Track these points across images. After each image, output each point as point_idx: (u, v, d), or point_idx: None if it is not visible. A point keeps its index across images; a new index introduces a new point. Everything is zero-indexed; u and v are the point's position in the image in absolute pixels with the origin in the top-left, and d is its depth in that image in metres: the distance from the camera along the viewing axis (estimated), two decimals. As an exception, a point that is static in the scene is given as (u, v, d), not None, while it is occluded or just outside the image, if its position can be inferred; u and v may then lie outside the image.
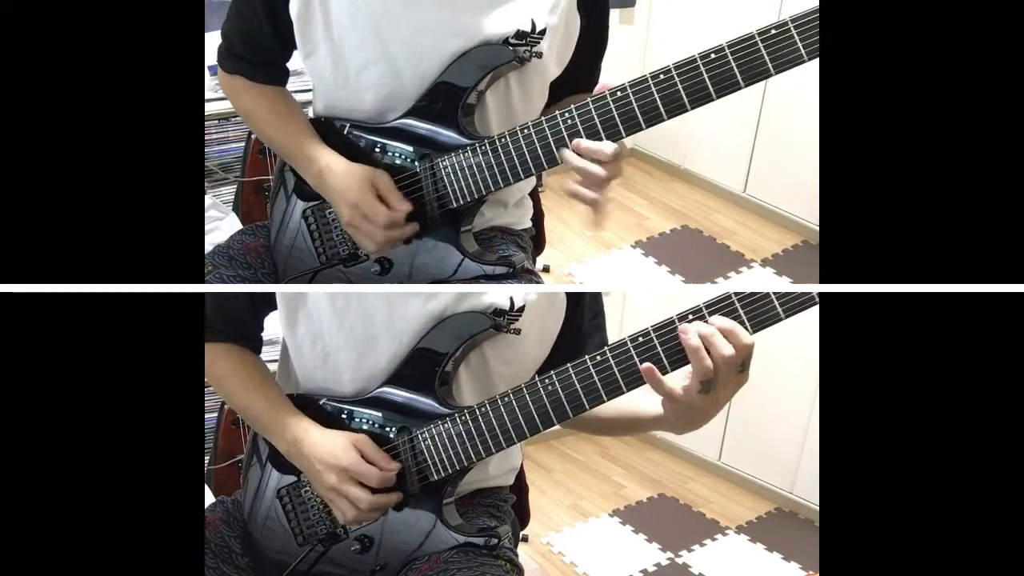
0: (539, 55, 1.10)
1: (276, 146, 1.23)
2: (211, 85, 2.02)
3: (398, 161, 1.15)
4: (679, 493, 2.94)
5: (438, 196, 1.13)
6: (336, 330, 1.11)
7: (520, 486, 1.30)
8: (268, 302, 1.19)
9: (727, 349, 0.94)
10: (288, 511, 1.16)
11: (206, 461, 1.97)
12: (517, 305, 1.08)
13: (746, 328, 0.96)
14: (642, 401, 1.09)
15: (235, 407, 1.23)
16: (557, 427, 1.05)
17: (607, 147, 1.03)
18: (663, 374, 0.98)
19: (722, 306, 0.96)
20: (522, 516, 1.31)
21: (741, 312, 0.96)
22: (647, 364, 0.97)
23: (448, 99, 1.11)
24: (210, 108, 2.02)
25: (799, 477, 2.79)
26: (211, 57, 2.00)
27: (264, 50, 1.20)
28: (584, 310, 1.17)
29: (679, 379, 0.98)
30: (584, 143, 1.04)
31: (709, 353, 0.95)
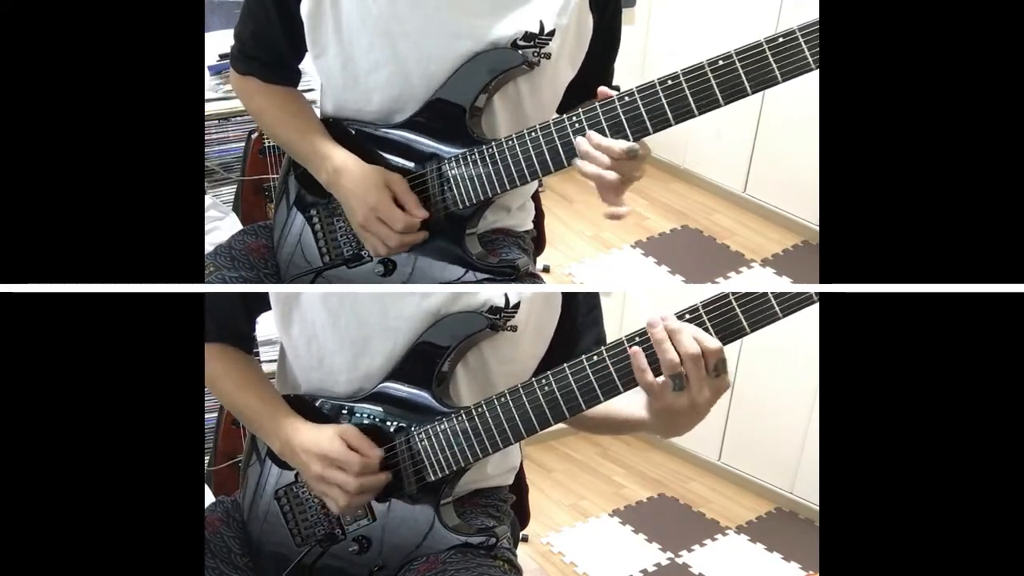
0: (547, 56, 1.10)
1: (288, 146, 1.23)
2: (211, 85, 2.02)
3: (403, 165, 1.15)
4: (679, 493, 2.94)
5: (444, 198, 1.14)
6: (330, 331, 1.11)
7: (520, 486, 1.30)
8: (262, 303, 1.19)
9: (692, 347, 0.95)
10: (286, 512, 1.16)
11: (206, 461, 1.97)
12: (512, 302, 1.08)
13: (743, 327, 0.96)
14: (625, 403, 1.10)
15: (229, 407, 1.24)
16: (557, 427, 1.05)
17: (616, 145, 1.03)
18: (658, 375, 0.99)
19: (719, 305, 0.96)
20: (522, 516, 1.31)
21: (738, 311, 0.96)
22: (635, 347, 0.98)
23: (448, 116, 1.12)
24: (210, 108, 2.02)
25: (799, 477, 2.79)
26: (211, 57, 2.01)
27: (276, 50, 1.20)
28: (579, 304, 1.18)
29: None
30: (595, 136, 1.04)
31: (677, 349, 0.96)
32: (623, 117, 1.03)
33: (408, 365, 1.10)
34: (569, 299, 1.16)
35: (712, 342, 0.96)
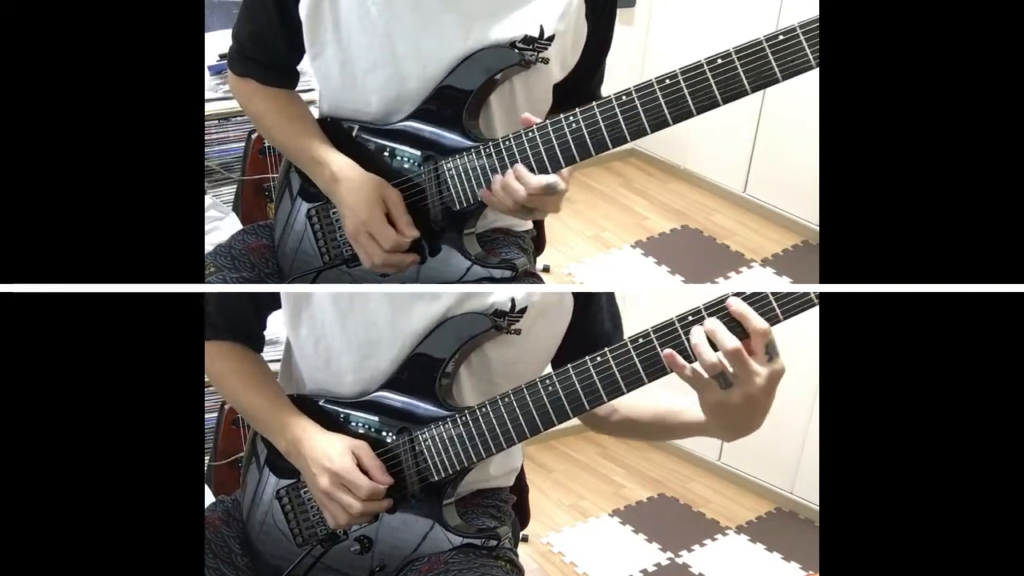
0: (545, 61, 1.10)
1: (285, 150, 1.22)
2: (211, 85, 2.02)
3: (404, 165, 1.15)
4: (679, 493, 2.94)
5: (442, 198, 1.13)
6: (339, 332, 1.11)
7: (520, 486, 1.30)
8: (271, 301, 1.19)
9: (730, 342, 0.93)
10: (287, 511, 1.16)
11: (206, 460, 1.97)
12: (519, 307, 1.08)
13: (744, 330, 0.95)
14: (683, 406, 1.09)
15: (235, 406, 1.24)
16: (557, 427, 1.05)
17: (543, 180, 1.04)
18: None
19: (721, 307, 0.96)
20: (522, 516, 1.31)
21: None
22: (668, 351, 0.96)
23: (452, 103, 1.11)
24: (210, 108, 2.02)
25: (799, 477, 2.79)
26: (211, 57, 2.01)
27: (275, 52, 1.20)
28: (603, 310, 1.17)
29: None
30: (520, 169, 1.05)
31: (715, 347, 0.94)
32: (620, 117, 1.03)
33: (409, 370, 1.10)
34: (594, 308, 1.16)
35: (760, 323, 0.93)
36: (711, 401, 0.96)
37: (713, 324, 0.94)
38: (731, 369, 0.93)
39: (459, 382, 1.12)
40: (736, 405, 0.95)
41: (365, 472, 1.08)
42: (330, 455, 1.08)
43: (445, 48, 1.11)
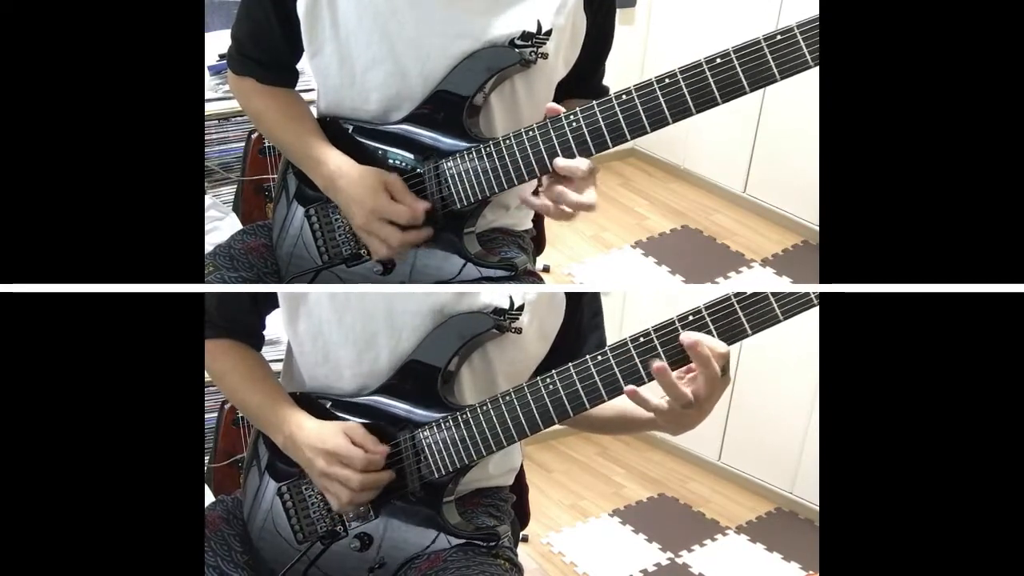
0: (544, 56, 1.10)
1: (285, 148, 1.23)
2: (211, 85, 2.02)
3: (401, 164, 1.15)
4: (679, 493, 2.94)
5: (442, 198, 1.13)
6: (336, 327, 1.12)
7: (520, 486, 1.31)
8: (270, 300, 1.19)
9: (708, 360, 0.96)
10: (288, 508, 1.17)
11: (206, 460, 1.97)
12: (517, 304, 1.08)
13: (745, 329, 0.96)
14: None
15: (235, 403, 1.24)
16: (557, 427, 1.05)
17: (582, 163, 1.04)
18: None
19: (722, 307, 0.96)
20: (522, 516, 1.31)
21: (740, 313, 0.96)
22: (630, 386, 0.99)
23: (449, 106, 1.11)
24: (210, 108, 2.02)
25: (799, 477, 2.79)
26: (211, 57, 2.01)
27: (274, 50, 1.20)
28: (584, 308, 1.18)
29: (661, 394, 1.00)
30: (560, 161, 1.05)
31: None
32: (620, 116, 1.03)
33: (407, 380, 1.10)
34: (574, 304, 1.16)
35: (721, 347, 0.96)
36: (670, 414, 1.01)
37: (690, 340, 0.96)
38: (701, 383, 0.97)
39: (460, 380, 1.12)
40: (691, 416, 1.00)
41: (360, 448, 1.09)
42: (323, 437, 1.09)
43: (444, 45, 1.11)
